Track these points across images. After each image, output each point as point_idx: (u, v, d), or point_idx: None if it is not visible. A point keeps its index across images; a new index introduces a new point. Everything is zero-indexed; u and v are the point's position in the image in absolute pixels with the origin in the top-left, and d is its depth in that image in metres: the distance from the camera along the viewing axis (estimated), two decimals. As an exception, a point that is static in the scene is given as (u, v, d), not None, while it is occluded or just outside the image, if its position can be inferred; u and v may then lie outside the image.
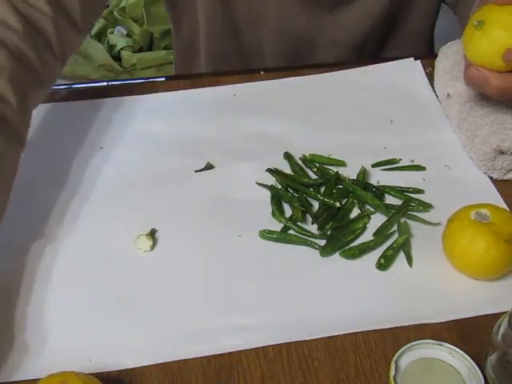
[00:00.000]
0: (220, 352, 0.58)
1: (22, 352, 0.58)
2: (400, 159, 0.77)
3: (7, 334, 0.59)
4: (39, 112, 0.82)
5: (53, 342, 0.59)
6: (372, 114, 0.83)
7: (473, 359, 0.54)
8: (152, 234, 0.68)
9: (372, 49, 1.00)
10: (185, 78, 0.91)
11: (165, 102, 0.85)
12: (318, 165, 0.76)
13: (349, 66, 0.89)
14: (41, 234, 0.69)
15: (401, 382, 0.53)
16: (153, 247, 0.67)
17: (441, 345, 0.55)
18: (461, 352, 0.55)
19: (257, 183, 0.73)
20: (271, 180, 0.74)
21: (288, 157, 0.77)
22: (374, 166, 0.76)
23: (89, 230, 0.69)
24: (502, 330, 0.53)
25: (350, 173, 0.75)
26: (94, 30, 2.55)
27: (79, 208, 0.71)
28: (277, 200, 0.71)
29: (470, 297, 0.63)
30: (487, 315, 0.60)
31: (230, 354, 0.58)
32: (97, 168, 0.76)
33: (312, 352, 0.58)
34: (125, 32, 2.50)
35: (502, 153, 0.73)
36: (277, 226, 0.69)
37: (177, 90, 0.87)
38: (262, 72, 0.89)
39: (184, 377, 0.57)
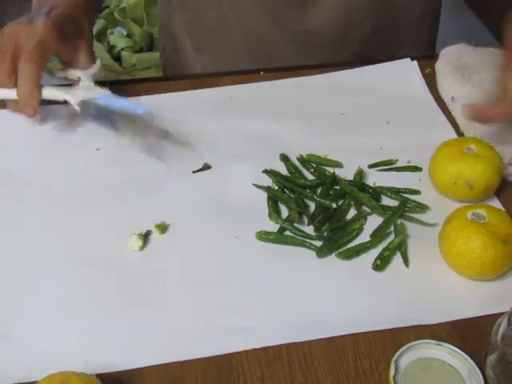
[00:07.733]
0: (218, 353, 0.58)
1: (21, 353, 0.58)
2: (397, 160, 0.77)
3: (6, 336, 0.59)
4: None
5: (52, 343, 0.59)
6: (368, 114, 0.83)
7: (473, 359, 0.54)
8: (146, 235, 0.68)
9: (361, 43, 0.99)
10: (185, 78, 0.91)
11: (161, 103, 0.84)
12: (314, 165, 0.76)
13: (346, 67, 0.89)
14: (35, 235, 0.68)
15: (401, 382, 0.53)
16: (142, 248, 0.66)
17: (440, 345, 0.55)
18: (460, 352, 0.55)
19: (253, 184, 0.73)
20: (268, 181, 0.74)
21: (284, 158, 0.76)
22: (370, 166, 0.76)
23: (85, 232, 0.69)
24: (501, 330, 0.53)
25: (346, 173, 0.74)
26: (95, 31, 2.55)
27: (76, 210, 0.71)
28: (273, 201, 0.71)
29: (466, 297, 0.63)
30: (487, 315, 0.60)
31: (230, 354, 0.58)
32: (93, 169, 0.76)
33: (312, 352, 0.58)
34: (125, 33, 2.50)
35: None
36: (274, 227, 0.69)
37: (176, 90, 0.87)
38: (261, 72, 0.90)
39: (184, 377, 0.57)
